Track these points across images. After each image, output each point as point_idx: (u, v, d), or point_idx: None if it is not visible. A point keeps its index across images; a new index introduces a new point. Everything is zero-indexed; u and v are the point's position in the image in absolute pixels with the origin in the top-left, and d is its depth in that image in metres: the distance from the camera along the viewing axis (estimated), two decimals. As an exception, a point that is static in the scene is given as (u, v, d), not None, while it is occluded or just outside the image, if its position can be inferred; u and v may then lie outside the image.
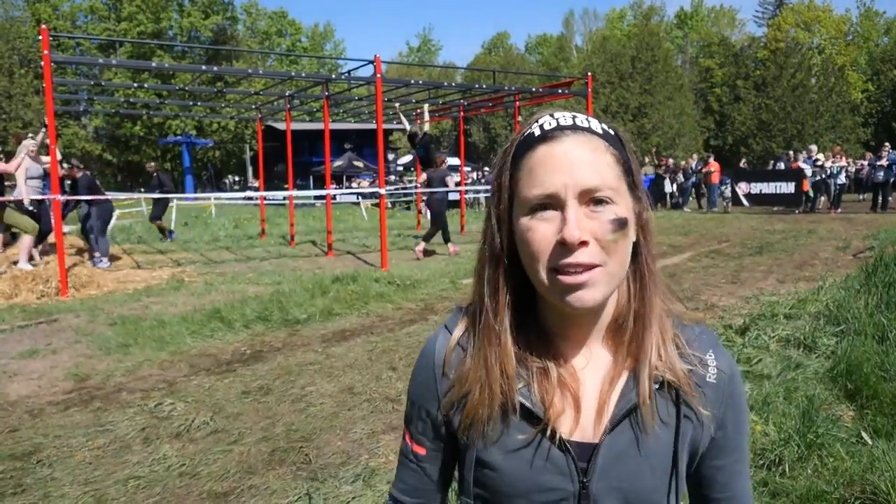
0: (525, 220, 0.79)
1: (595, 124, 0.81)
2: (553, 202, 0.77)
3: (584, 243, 0.75)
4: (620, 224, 0.77)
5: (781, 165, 20.92)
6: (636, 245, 0.83)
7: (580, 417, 0.83)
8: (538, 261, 0.78)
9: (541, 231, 0.77)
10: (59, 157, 8.71)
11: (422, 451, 0.93)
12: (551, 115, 0.82)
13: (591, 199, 0.76)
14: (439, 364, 0.90)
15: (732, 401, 0.88)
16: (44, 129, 8.94)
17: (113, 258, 10.27)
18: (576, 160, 0.77)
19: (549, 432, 0.82)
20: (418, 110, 14.24)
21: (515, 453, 0.83)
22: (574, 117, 0.81)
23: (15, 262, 8.83)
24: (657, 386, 0.83)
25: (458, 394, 0.87)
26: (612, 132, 0.82)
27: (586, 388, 0.85)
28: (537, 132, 0.80)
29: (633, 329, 0.84)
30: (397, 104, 13.86)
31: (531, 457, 0.82)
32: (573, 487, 0.81)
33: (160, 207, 14.52)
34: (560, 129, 0.79)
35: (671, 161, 23.68)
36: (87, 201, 9.92)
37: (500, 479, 0.84)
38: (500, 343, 0.84)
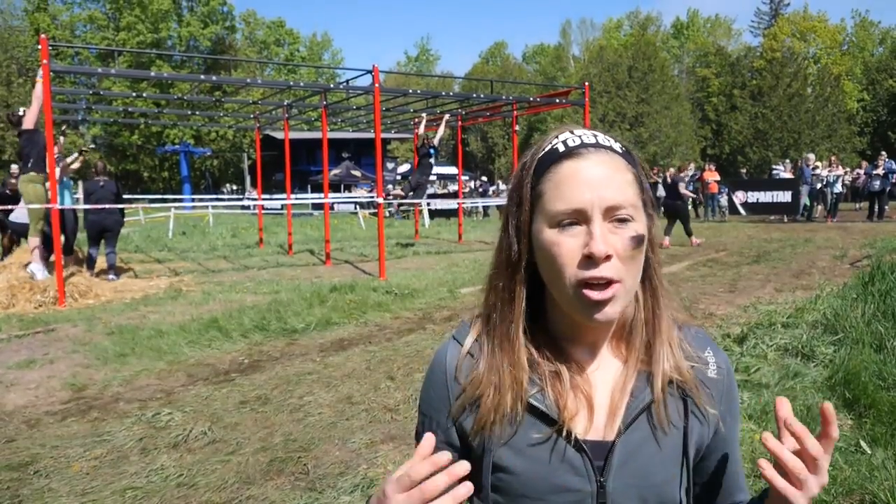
0: (551, 233, 0.81)
1: (615, 143, 0.84)
2: (580, 217, 0.80)
3: (608, 257, 0.78)
4: (639, 241, 0.81)
5: (780, 173, 20.93)
6: (646, 258, 0.87)
7: (594, 418, 0.86)
8: (564, 274, 0.80)
9: (567, 245, 0.80)
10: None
11: None
12: (572, 132, 0.85)
13: (614, 216, 0.80)
14: (451, 373, 0.92)
15: (730, 394, 0.94)
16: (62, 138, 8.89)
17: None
18: (601, 178, 0.80)
19: (564, 433, 0.84)
20: (416, 120, 14.33)
21: (532, 456, 0.85)
22: (595, 136, 0.84)
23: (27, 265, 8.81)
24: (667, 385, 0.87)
25: (470, 397, 0.88)
26: (629, 151, 0.86)
27: (598, 391, 0.88)
28: (561, 148, 0.83)
29: (644, 336, 0.88)
30: (439, 111, 14.30)
31: (548, 457, 0.84)
32: (591, 487, 0.84)
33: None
34: (584, 146, 0.83)
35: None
36: (96, 210, 9.73)
37: (518, 482, 0.85)
38: (512, 349, 0.87)
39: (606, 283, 0.79)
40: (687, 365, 0.88)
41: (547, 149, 0.85)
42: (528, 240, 0.85)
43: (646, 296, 0.89)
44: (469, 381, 0.89)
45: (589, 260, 0.78)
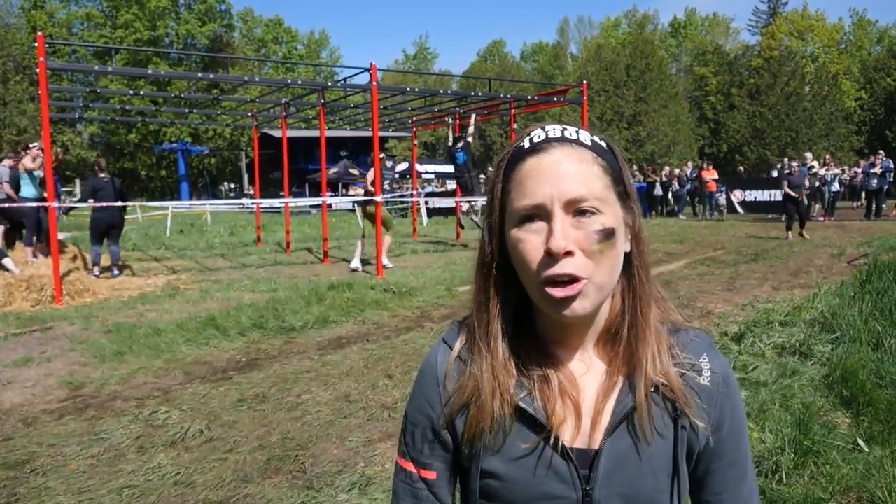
0: (515, 231, 0.80)
1: (584, 136, 0.82)
2: (540, 213, 0.78)
3: (569, 253, 0.76)
4: (606, 234, 0.78)
5: (775, 173, 20.98)
6: (628, 255, 0.84)
7: (581, 424, 0.83)
8: (529, 271, 0.79)
9: (530, 242, 0.78)
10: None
11: (432, 476, 0.90)
12: (542, 128, 0.83)
13: (577, 209, 0.77)
14: (441, 378, 0.89)
15: (728, 402, 0.87)
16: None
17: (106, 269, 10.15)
18: (563, 171, 0.78)
19: (551, 440, 0.82)
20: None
21: (518, 462, 0.83)
22: (563, 129, 0.82)
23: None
24: (652, 391, 0.83)
25: (459, 405, 0.86)
26: (602, 143, 0.83)
27: (586, 396, 0.85)
28: (527, 145, 0.82)
29: (628, 339, 0.84)
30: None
31: (534, 465, 0.82)
32: (576, 495, 0.81)
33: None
34: (548, 140, 0.81)
35: (672, 170, 23.71)
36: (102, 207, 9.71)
37: (505, 489, 0.83)
38: (493, 352, 0.85)
39: (570, 279, 0.76)
40: (675, 371, 0.84)
41: (516, 147, 0.84)
42: (500, 239, 0.84)
43: (629, 295, 0.85)
44: (457, 387, 0.87)
45: (550, 257, 0.76)
